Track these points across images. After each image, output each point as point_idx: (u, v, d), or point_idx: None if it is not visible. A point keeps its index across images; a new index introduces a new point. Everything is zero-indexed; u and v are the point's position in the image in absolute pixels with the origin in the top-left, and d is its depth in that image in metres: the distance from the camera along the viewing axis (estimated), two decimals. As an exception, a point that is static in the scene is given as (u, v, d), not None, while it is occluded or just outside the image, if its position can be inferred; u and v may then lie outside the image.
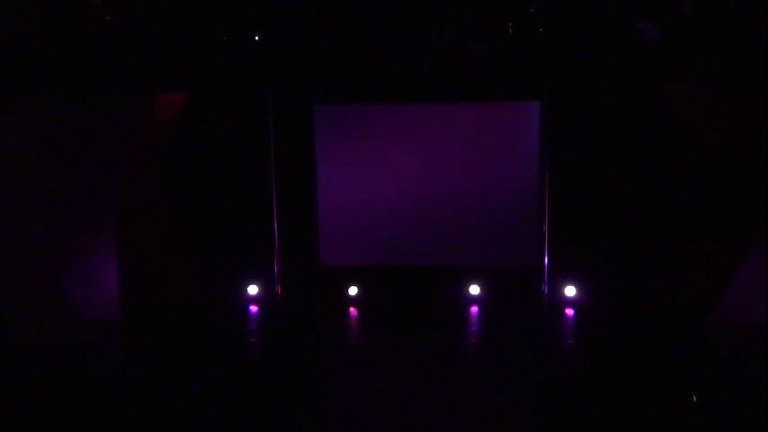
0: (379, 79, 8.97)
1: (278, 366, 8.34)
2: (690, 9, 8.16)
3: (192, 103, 9.62)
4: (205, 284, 9.93)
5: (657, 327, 9.00)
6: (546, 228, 9.57)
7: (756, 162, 8.76)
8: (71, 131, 8.83)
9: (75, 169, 8.95)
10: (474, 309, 9.82)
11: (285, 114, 9.72)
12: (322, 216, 10.20)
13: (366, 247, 10.19)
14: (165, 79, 8.74)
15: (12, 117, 8.57)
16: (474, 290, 9.95)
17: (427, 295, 9.98)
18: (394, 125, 9.96)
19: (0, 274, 8.75)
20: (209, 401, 7.38)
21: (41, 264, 8.85)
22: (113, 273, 9.22)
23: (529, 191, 9.82)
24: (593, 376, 7.84)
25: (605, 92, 9.18)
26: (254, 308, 9.96)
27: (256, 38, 8.67)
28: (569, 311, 9.60)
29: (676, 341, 8.62)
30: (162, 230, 9.89)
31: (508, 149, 9.89)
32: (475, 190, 9.93)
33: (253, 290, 10.05)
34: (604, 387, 7.54)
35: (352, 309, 9.95)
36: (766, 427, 6.68)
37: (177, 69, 8.68)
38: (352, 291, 10.06)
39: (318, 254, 10.26)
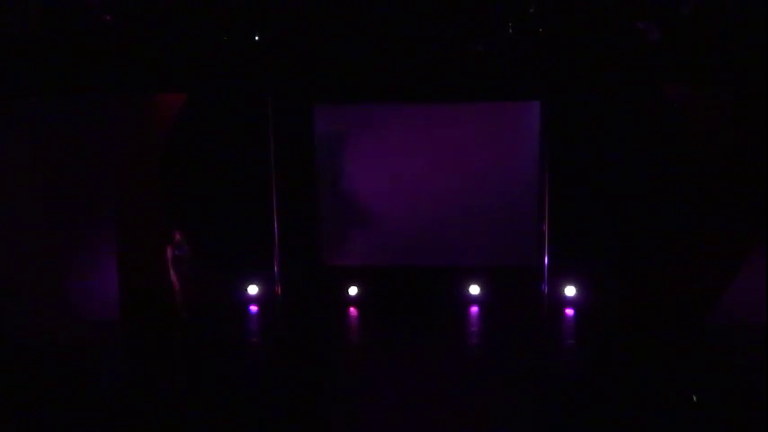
0: (380, 79, 8.98)
1: (278, 366, 8.34)
2: (690, 9, 8.17)
3: (193, 102, 9.62)
4: (205, 284, 9.92)
5: (657, 326, 9.00)
6: (546, 228, 9.57)
7: (756, 162, 8.76)
8: (71, 131, 8.82)
9: (76, 169, 8.94)
10: (474, 309, 9.82)
11: (285, 114, 9.72)
12: (322, 215, 10.20)
13: (366, 246, 10.20)
14: (165, 79, 8.76)
15: (12, 117, 8.57)
16: (474, 290, 9.95)
17: (427, 295, 9.99)
18: (394, 125, 9.96)
19: (0, 275, 8.75)
20: (209, 401, 7.39)
21: (41, 264, 8.85)
22: (113, 273, 9.22)
23: (529, 191, 9.83)
24: (593, 376, 7.84)
25: (605, 92, 9.18)
26: (254, 308, 9.96)
27: (256, 38, 8.68)
28: (569, 311, 9.60)
29: (676, 341, 8.62)
30: (162, 230, 9.88)
31: (508, 149, 9.89)
32: (475, 190, 9.93)
33: (253, 290, 10.05)
34: (604, 387, 7.54)
35: (352, 309, 9.95)
36: (766, 427, 6.69)
37: (177, 69, 8.69)
38: (353, 290, 10.06)
39: (319, 253, 10.26)
